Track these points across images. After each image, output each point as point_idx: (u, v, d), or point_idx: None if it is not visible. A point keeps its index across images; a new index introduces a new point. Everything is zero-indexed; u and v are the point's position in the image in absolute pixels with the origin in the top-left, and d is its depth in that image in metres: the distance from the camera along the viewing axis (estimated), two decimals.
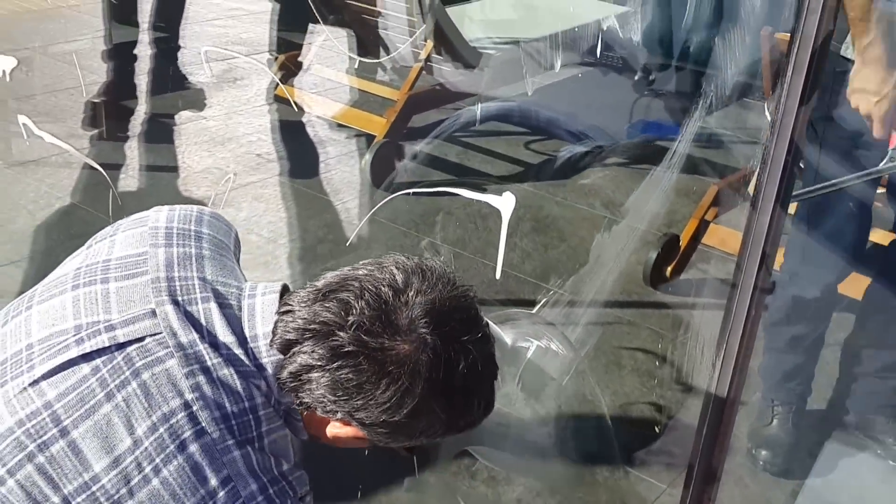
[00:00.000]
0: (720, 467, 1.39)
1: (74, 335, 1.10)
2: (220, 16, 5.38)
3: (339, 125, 4.13)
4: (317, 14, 4.23)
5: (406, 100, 3.88)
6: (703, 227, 3.16)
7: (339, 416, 1.12)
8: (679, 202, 3.66)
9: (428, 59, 3.97)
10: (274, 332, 1.12)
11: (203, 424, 1.05)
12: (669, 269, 3.16)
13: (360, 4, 4.04)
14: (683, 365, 2.81)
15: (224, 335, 1.10)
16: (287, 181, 3.76)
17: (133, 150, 3.88)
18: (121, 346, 1.08)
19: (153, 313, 1.10)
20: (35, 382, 1.07)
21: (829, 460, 2.34)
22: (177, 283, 1.14)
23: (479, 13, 4.55)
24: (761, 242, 1.24)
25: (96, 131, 3.94)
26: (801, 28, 1.14)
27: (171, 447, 1.04)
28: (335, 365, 1.08)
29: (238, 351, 1.10)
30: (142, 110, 4.20)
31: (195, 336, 1.09)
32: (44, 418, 1.04)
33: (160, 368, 1.07)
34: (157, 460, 1.03)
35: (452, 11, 4.16)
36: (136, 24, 4.49)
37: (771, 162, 1.19)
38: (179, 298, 1.12)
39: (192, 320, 1.10)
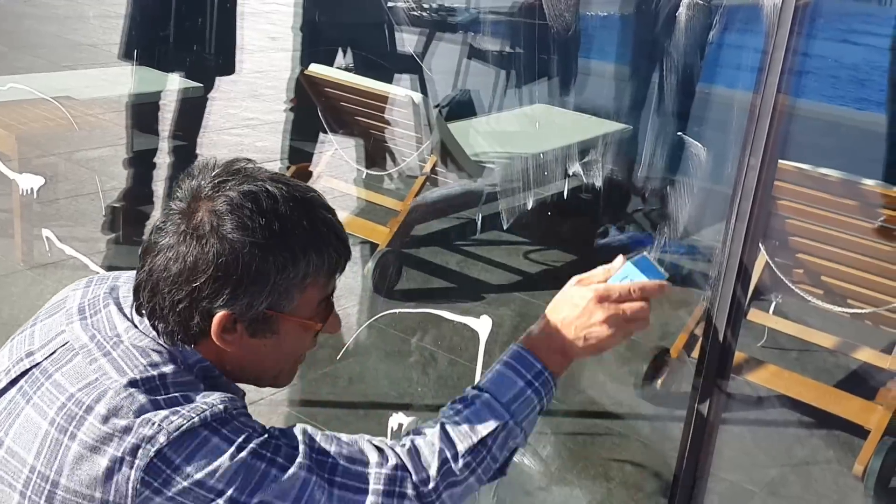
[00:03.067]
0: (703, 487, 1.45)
1: (5, 372, 1.27)
2: (237, 125, 5.60)
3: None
4: (327, 126, 4.43)
5: (409, 210, 4.03)
6: (692, 341, 3.26)
7: (212, 308, 1.19)
8: (670, 315, 3.77)
9: (432, 171, 4.14)
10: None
11: (106, 388, 1.18)
12: (659, 381, 3.24)
13: (368, 120, 4.23)
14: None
15: (121, 325, 1.25)
16: None
17: None
18: (38, 364, 1.25)
19: (63, 332, 1.27)
20: None
21: None
22: (85, 305, 1.30)
23: (482, 128, 4.74)
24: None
25: (114, 235, 4.10)
26: (742, 184, 1.26)
27: (79, 413, 1.16)
28: (158, 259, 1.20)
29: (133, 332, 1.24)
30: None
31: (95, 332, 1.25)
32: None
33: (68, 366, 1.22)
34: (70, 428, 1.16)
35: (457, 126, 4.36)
36: (156, 133, 4.68)
37: (728, 257, 1.30)
38: (87, 314, 1.28)
39: (95, 326, 1.26)
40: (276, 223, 1.19)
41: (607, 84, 5.21)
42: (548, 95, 5.28)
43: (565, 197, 4.34)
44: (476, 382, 1.33)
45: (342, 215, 4.26)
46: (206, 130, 5.33)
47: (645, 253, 1.30)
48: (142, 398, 1.17)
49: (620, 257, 1.33)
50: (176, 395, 1.19)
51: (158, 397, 1.18)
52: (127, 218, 4.25)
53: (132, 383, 1.18)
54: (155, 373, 1.20)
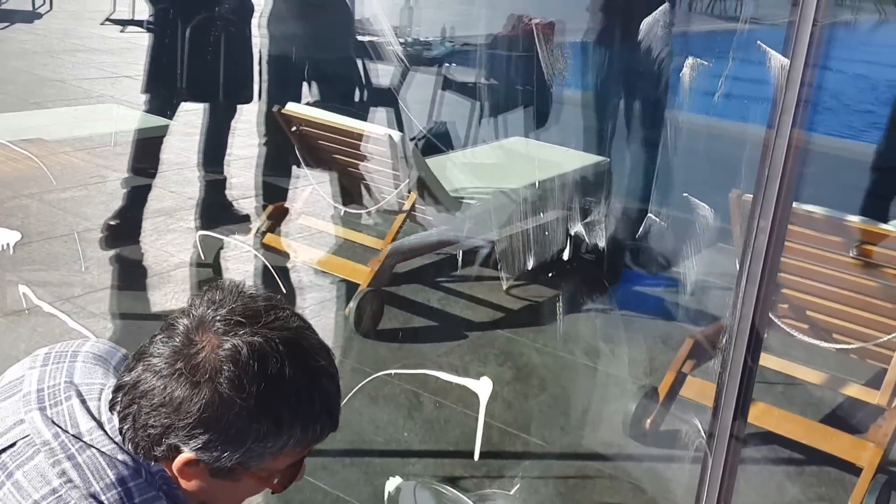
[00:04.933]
0: None
1: None
2: None
3: (325, 272, 4.23)
4: (304, 163, 4.39)
5: (389, 249, 3.99)
6: (680, 379, 3.23)
7: (180, 447, 1.17)
8: (658, 351, 3.75)
9: (412, 208, 4.10)
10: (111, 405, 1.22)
11: (69, 501, 1.15)
12: (648, 421, 3.21)
13: (346, 158, 4.19)
14: None
15: (85, 424, 1.22)
16: None
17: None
18: None
19: (22, 421, 1.24)
20: None
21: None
22: (45, 392, 1.26)
23: (464, 159, 4.72)
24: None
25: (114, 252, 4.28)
26: (765, 185, 1.22)
27: None
28: (147, 377, 1.17)
29: (97, 434, 1.21)
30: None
31: (58, 430, 1.20)
32: None
33: (30, 465, 1.18)
34: None
35: (435, 161, 4.33)
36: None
37: (739, 319, 1.26)
38: (46, 404, 1.24)
39: (57, 419, 1.22)
40: (274, 392, 1.15)
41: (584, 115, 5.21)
42: (523, 129, 5.29)
43: (547, 234, 4.33)
44: None
45: (320, 254, 4.23)
46: (182, 168, 5.29)
47: None
48: None
49: None
50: None
51: None
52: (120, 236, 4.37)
53: (95, 497, 1.16)
54: (120, 489, 1.17)
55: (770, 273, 1.28)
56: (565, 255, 4.41)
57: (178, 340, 1.17)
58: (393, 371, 2.89)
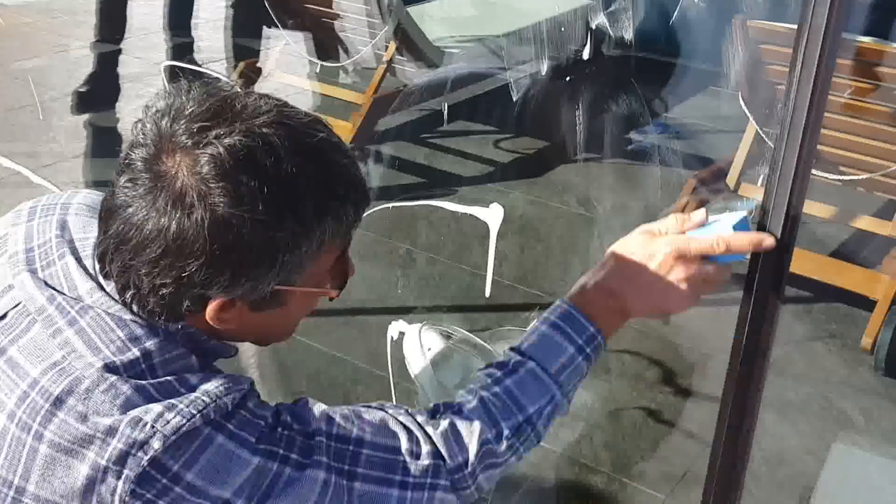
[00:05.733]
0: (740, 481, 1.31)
1: None
2: None
3: None
4: (276, 19, 4.14)
5: (371, 103, 3.80)
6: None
7: (205, 294, 0.96)
8: (655, 196, 3.61)
9: (391, 60, 3.89)
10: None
11: (79, 375, 0.95)
12: None
13: (317, 7, 3.95)
14: (676, 368, 2.75)
15: (83, 284, 1.01)
16: None
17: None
18: None
19: (11, 287, 1.03)
20: None
21: (838, 464, 2.29)
22: (35, 252, 1.06)
23: (441, 11, 4.48)
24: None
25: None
26: (810, 19, 1.05)
27: (46, 407, 0.94)
28: (127, 227, 0.94)
29: (98, 294, 1.00)
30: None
31: (54, 293, 1.00)
32: None
33: (25, 339, 0.99)
34: (35, 426, 0.94)
35: (413, 11, 4.09)
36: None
37: (781, 169, 1.10)
38: (37, 265, 1.04)
39: (51, 281, 1.02)
40: (279, 189, 0.92)
41: None
42: None
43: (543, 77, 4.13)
44: (517, 344, 1.12)
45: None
46: (147, 33, 5.02)
47: (745, 213, 1.08)
48: (126, 389, 0.94)
49: (703, 210, 1.12)
50: (168, 379, 0.97)
51: (146, 384, 0.95)
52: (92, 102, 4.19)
53: (111, 368, 0.95)
54: (137, 352, 0.97)
55: (815, 119, 1.10)
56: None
57: (144, 178, 0.93)
58: (391, 204, 2.72)
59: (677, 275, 1.09)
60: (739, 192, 3.20)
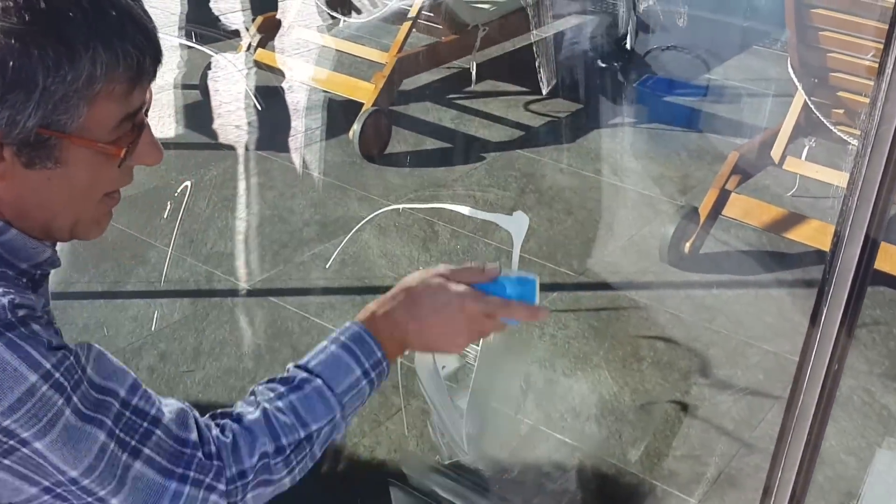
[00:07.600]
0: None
1: None
2: None
3: (324, 91, 3.86)
4: None
5: (395, 62, 3.60)
6: (723, 197, 2.90)
7: None
8: (696, 167, 3.40)
9: (417, 16, 3.68)
10: None
11: None
12: (687, 245, 2.90)
13: None
14: (711, 357, 2.57)
15: None
16: (268, 156, 3.49)
17: None
18: None
19: None
20: None
21: (885, 472, 2.11)
22: None
23: None
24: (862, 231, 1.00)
25: None
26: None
27: None
28: None
29: None
30: None
31: None
32: None
33: None
34: None
35: None
36: None
37: (862, 184, 0.93)
38: None
39: None
40: (43, 2, 0.85)
41: None
42: None
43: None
44: (303, 361, 1.10)
45: (319, 70, 3.80)
46: None
47: (535, 278, 1.15)
48: None
49: (497, 264, 1.17)
50: None
51: None
52: None
53: None
54: None
55: None
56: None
57: None
58: (401, 206, 2.55)
59: (459, 325, 1.14)
60: (784, 167, 2.99)
